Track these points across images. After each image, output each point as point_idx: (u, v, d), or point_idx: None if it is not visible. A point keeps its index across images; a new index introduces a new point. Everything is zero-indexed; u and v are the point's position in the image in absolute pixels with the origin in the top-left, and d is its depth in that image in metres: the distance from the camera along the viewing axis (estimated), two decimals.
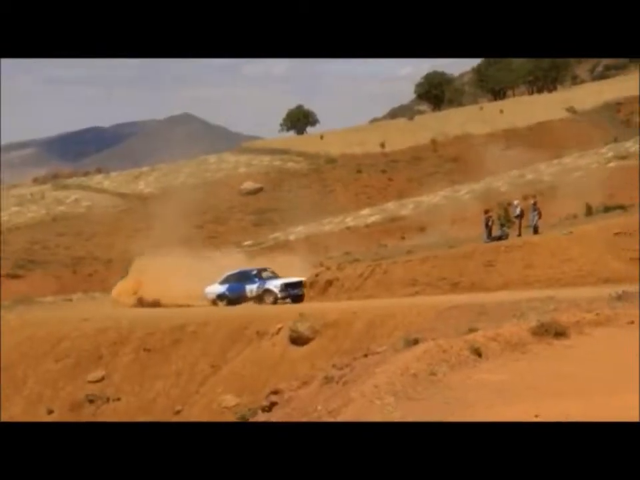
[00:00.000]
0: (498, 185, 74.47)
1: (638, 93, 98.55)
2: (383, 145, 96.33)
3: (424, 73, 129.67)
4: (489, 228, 41.47)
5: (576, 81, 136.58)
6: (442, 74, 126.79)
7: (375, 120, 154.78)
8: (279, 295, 36.86)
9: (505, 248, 38.09)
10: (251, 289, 37.57)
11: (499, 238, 40.49)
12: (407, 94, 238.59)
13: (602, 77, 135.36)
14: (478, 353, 13.28)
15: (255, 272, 38.53)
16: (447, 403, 10.51)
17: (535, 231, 40.56)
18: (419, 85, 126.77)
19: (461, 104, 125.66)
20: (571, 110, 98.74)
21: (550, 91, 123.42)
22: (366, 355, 14.91)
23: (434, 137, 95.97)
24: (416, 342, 14.33)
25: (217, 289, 38.67)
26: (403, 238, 63.20)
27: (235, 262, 43.83)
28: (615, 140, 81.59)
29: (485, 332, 14.67)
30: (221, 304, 38.18)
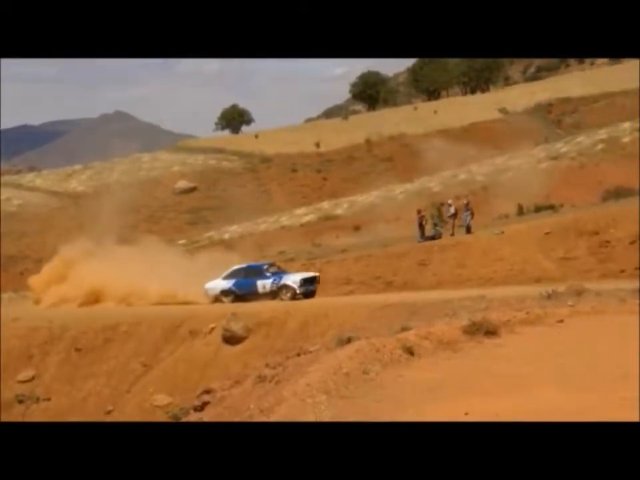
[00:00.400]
0: (431, 185, 74.91)
1: (567, 95, 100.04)
2: (317, 145, 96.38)
3: (359, 72, 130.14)
4: (422, 228, 41.82)
5: (508, 81, 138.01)
6: (377, 74, 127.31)
7: (310, 119, 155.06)
8: (298, 291, 35.06)
9: (438, 247, 38.42)
10: (264, 284, 35.53)
11: (432, 237, 40.86)
12: (342, 94, 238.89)
13: (534, 78, 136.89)
14: (410, 351, 13.37)
15: (265, 267, 36.74)
16: (379, 401, 10.55)
17: (468, 230, 40.99)
18: (354, 85, 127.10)
19: (395, 104, 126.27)
20: (503, 111, 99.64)
21: (483, 91, 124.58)
22: (299, 354, 14.94)
23: (368, 136, 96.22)
24: (349, 341, 14.39)
25: (221, 284, 36.45)
26: (338, 237, 63.31)
27: (174, 258, 43.11)
28: (546, 140, 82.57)
29: (417, 331, 14.78)
30: (226, 300, 36.08)
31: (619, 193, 47.41)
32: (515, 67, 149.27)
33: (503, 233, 37.70)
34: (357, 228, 66.47)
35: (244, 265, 37.23)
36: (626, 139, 70.66)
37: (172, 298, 37.73)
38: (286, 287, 35.27)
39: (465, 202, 43.05)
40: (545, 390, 10.54)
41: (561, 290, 20.91)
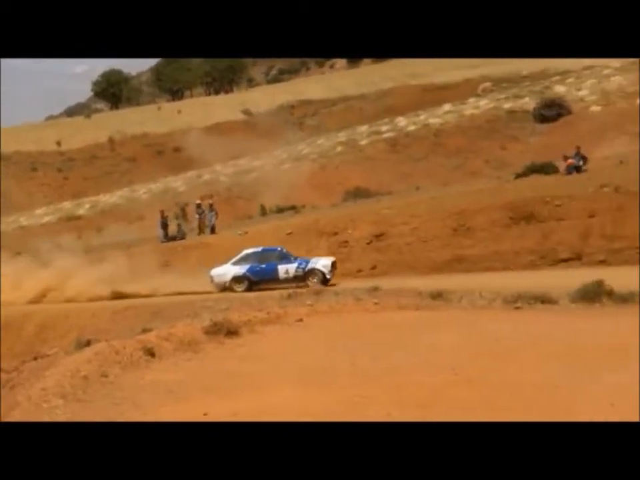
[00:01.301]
0: (176, 185, 74.72)
1: (308, 97, 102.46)
2: (59, 143, 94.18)
3: (101, 71, 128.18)
4: (165, 228, 41.75)
5: (252, 83, 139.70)
6: (119, 72, 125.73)
7: (51, 117, 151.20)
8: (328, 276, 31.08)
9: (182, 248, 38.40)
10: (287, 268, 31.67)
11: (175, 238, 40.88)
12: (84, 92, 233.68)
13: (276, 80, 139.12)
14: (151, 353, 13.35)
15: (284, 250, 32.60)
16: (118, 404, 10.47)
17: (212, 230, 41.25)
18: (96, 83, 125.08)
19: (138, 103, 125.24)
20: (247, 112, 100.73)
21: (227, 92, 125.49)
22: (36, 358, 14.60)
23: (111, 135, 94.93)
24: (88, 343, 14.23)
25: (232, 270, 32.06)
26: (80, 238, 62.04)
27: None
28: (289, 142, 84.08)
29: (158, 332, 14.77)
30: (238, 288, 31.55)
31: (357, 194, 48.98)
32: (258, 69, 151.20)
33: (246, 233, 38.12)
34: (99, 229, 65.36)
35: (259, 249, 33.17)
36: (363, 142, 73.03)
37: None
38: (315, 271, 31.63)
39: (209, 202, 43.36)
40: (282, 388, 10.76)
41: (299, 290, 21.43)
